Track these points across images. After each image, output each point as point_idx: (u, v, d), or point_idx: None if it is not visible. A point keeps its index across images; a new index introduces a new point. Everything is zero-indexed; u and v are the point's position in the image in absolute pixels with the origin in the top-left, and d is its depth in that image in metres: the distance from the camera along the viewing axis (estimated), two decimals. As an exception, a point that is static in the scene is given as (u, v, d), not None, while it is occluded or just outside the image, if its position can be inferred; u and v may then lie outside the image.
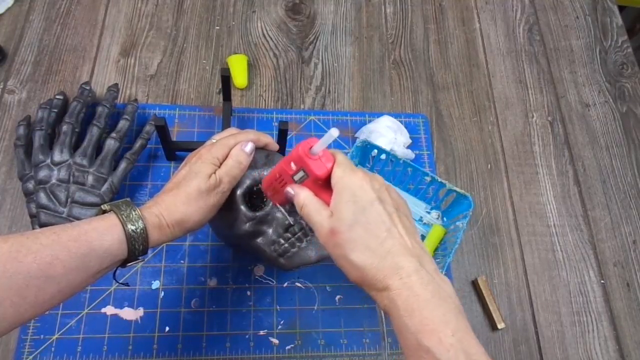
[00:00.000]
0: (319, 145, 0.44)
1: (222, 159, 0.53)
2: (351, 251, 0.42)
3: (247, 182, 0.55)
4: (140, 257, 0.47)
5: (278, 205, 0.54)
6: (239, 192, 0.55)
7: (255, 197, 0.58)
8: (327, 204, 0.45)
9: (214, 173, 0.51)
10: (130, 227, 0.45)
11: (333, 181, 0.45)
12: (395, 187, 0.76)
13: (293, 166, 0.47)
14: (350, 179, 0.44)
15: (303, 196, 0.46)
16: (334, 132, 0.42)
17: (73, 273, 0.41)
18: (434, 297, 0.40)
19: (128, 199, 0.48)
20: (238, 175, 0.53)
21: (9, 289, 0.38)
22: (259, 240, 0.56)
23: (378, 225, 0.42)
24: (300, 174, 0.47)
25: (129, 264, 0.47)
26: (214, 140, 0.56)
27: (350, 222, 0.42)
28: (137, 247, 0.45)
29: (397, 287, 0.40)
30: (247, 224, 0.55)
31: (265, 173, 0.56)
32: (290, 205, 0.52)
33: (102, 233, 0.43)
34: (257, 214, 0.55)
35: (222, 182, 0.52)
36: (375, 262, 0.41)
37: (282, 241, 0.56)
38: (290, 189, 0.48)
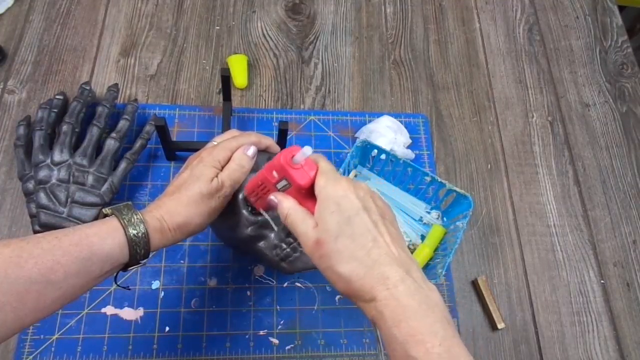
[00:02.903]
0: (300, 156, 0.44)
1: (224, 162, 0.53)
2: (337, 262, 0.41)
3: None
4: (141, 261, 0.47)
5: (262, 211, 0.53)
6: (240, 196, 0.55)
7: None
8: (312, 212, 0.44)
9: (216, 176, 0.51)
10: (132, 231, 0.44)
11: (316, 190, 0.44)
12: (395, 188, 0.76)
13: (275, 174, 0.46)
14: (334, 188, 0.43)
15: (287, 205, 0.46)
16: (306, 151, 0.43)
17: (74, 277, 0.41)
18: (421, 307, 0.39)
19: (129, 203, 0.47)
20: (240, 178, 0.53)
21: (9, 294, 0.38)
22: (261, 244, 0.56)
23: (364, 235, 0.42)
24: (283, 182, 0.46)
25: (130, 267, 0.47)
26: (215, 143, 0.56)
27: (336, 233, 0.41)
28: (138, 251, 0.45)
29: (384, 297, 0.40)
30: (249, 228, 0.55)
31: None
32: (275, 211, 0.51)
33: (103, 237, 0.43)
34: (259, 218, 0.55)
35: (224, 186, 0.51)
36: (361, 273, 0.41)
37: (284, 245, 0.55)
38: (273, 197, 0.47)
